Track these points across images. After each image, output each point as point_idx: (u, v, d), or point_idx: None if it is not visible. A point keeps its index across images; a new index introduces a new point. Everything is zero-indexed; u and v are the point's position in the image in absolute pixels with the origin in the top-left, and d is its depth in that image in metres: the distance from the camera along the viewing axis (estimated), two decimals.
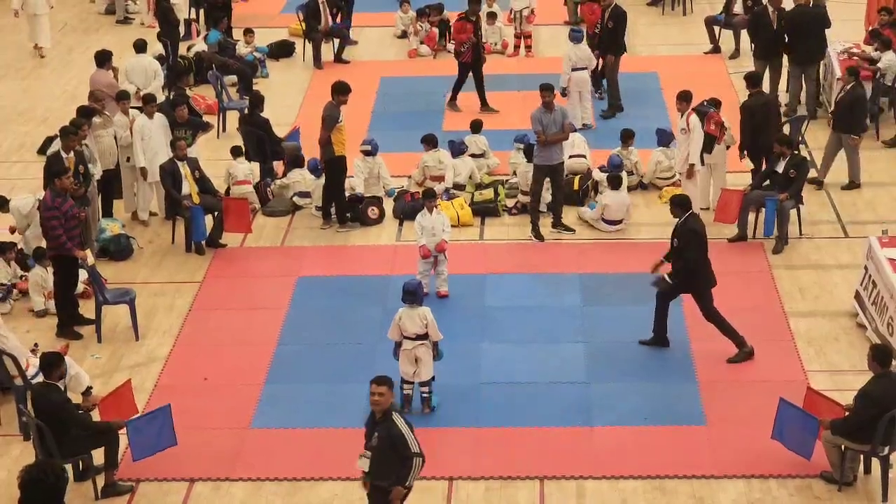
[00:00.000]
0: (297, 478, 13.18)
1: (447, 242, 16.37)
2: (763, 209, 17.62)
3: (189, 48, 24.52)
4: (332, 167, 18.18)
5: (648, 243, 17.80)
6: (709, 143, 18.05)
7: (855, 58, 21.59)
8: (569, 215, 18.34)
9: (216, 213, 17.94)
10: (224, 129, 21.68)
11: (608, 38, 21.87)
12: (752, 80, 19.07)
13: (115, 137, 18.51)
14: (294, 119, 22.01)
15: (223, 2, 25.41)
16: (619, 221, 18.08)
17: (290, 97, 23.17)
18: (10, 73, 24.96)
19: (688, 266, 14.78)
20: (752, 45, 22.64)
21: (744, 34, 24.19)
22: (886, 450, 12.57)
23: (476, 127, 20.13)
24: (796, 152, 18.12)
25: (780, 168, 17.56)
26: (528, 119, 17.97)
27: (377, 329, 15.49)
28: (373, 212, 18.61)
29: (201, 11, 26.40)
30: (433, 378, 14.08)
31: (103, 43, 24.54)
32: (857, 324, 15.68)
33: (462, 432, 13.90)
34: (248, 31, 24.74)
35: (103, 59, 20.14)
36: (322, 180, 18.53)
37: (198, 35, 25.93)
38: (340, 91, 18.11)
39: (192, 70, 23.50)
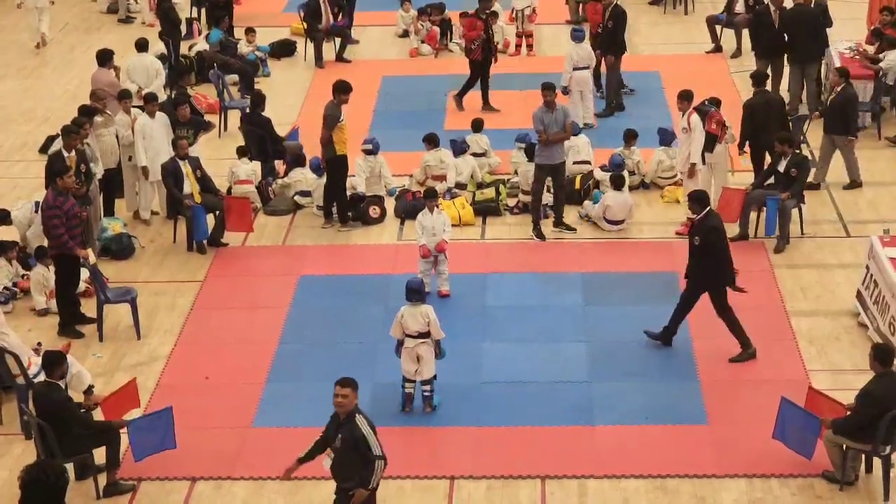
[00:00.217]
0: (298, 477, 13.13)
1: (447, 242, 16.36)
2: (764, 208, 17.62)
3: (190, 47, 24.52)
4: (334, 166, 18.18)
5: (650, 242, 17.81)
6: (710, 142, 18.03)
7: (857, 57, 21.60)
8: (570, 215, 18.34)
9: (218, 213, 17.95)
10: (225, 129, 21.68)
11: (608, 37, 21.87)
12: (757, 79, 19.06)
13: (117, 136, 18.52)
14: (295, 118, 22.01)
15: (224, 1, 25.41)
16: (622, 221, 18.08)
17: (291, 96, 23.17)
18: (11, 72, 24.97)
19: (719, 265, 14.69)
20: (752, 45, 22.62)
21: (745, 33, 24.20)
22: (888, 449, 12.56)
23: (477, 126, 20.14)
24: (798, 151, 18.11)
25: (782, 167, 17.56)
26: (530, 118, 17.98)
27: (379, 328, 15.49)
28: (374, 211, 18.60)
29: (203, 10, 26.40)
30: (435, 377, 14.08)
31: (105, 42, 24.55)
32: (858, 323, 15.68)
33: (463, 431, 13.90)
34: (250, 31, 24.75)
35: (105, 58, 20.14)
36: (323, 179, 18.53)
37: (199, 34, 25.92)
38: (342, 90, 18.11)
39: (194, 69, 23.49)
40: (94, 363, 15.23)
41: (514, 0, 25.04)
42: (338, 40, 25.10)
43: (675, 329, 15.17)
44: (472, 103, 22.12)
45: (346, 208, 18.45)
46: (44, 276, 16.42)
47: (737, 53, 24.47)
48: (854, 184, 19.06)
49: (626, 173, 18.72)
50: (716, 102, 18.60)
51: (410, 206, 18.30)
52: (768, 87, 19.45)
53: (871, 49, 21.83)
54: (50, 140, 19.78)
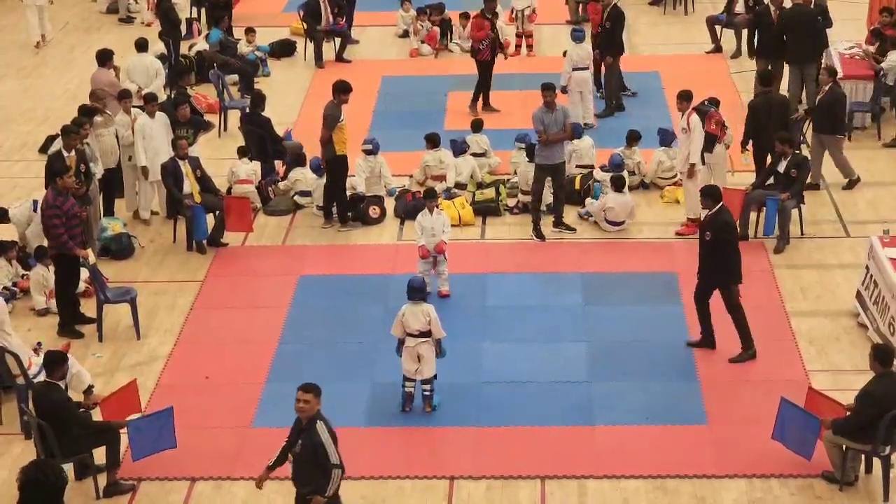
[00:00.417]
0: None
1: (446, 244, 16.36)
2: (764, 209, 17.61)
3: (190, 47, 24.52)
4: (334, 166, 18.18)
5: (650, 243, 17.81)
6: (710, 143, 18.03)
7: (857, 57, 21.61)
8: (570, 214, 18.34)
9: (217, 213, 17.95)
10: (225, 129, 21.68)
11: (606, 38, 21.87)
12: (762, 79, 19.06)
13: (117, 136, 18.52)
14: (295, 118, 22.01)
15: (224, 1, 25.41)
16: (623, 222, 18.08)
17: (291, 96, 23.17)
18: (11, 72, 24.97)
19: (729, 261, 14.69)
20: (748, 45, 22.60)
21: (745, 33, 24.20)
22: (888, 449, 12.57)
23: (477, 126, 20.13)
24: (797, 152, 18.11)
25: (782, 168, 17.56)
26: (530, 118, 17.98)
27: (378, 328, 15.50)
28: (374, 211, 18.60)
29: (202, 10, 26.40)
30: (435, 376, 14.07)
31: (105, 42, 24.56)
32: (858, 323, 15.68)
33: (463, 431, 13.90)
34: (250, 30, 24.76)
35: (104, 57, 20.14)
36: (323, 179, 18.53)
37: (199, 34, 25.93)
38: (342, 90, 18.11)
39: (194, 69, 23.49)
40: (94, 363, 15.23)
41: (513, 0, 25.04)
42: (338, 40, 25.10)
43: (710, 331, 15.09)
44: (467, 103, 22.12)
45: (346, 208, 18.45)
46: (43, 276, 16.41)
47: (736, 54, 24.47)
48: (852, 182, 19.06)
49: (625, 173, 18.72)
50: (715, 103, 18.61)
51: (410, 206, 18.30)
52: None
53: (871, 49, 21.83)
54: (50, 140, 19.77)
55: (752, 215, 17.73)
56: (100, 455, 12.97)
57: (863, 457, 12.84)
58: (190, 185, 17.76)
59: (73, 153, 16.99)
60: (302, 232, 18.47)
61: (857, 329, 15.60)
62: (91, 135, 17.81)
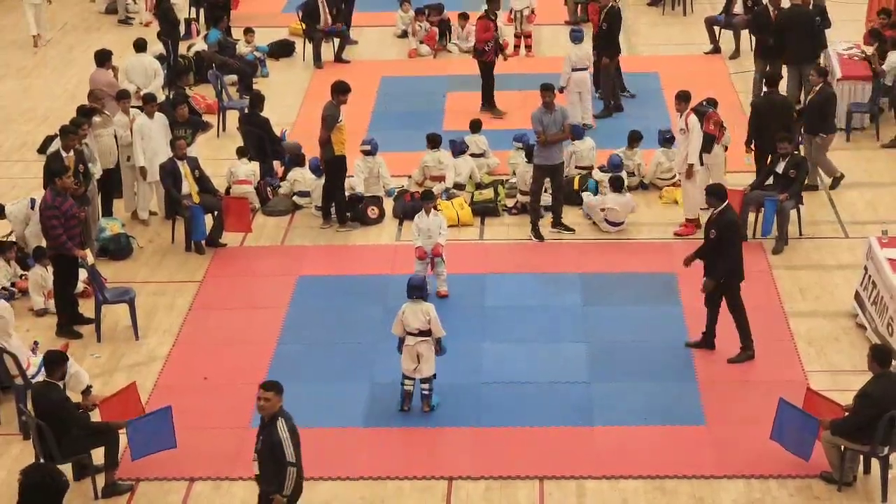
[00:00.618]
0: None
1: (443, 246, 16.34)
2: (763, 209, 17.61)
3: (189, 47, 24.52)
4: (332, 167, 18.18)
5: (649, 243, 17.81)
6: (708, 143, 18.04)
7: (856, 57, 21.60)
8: (569, 215, 18.34)
9: (216, 213, 17.95)
10: (224, 129, 21.68)
11: (603, 38, 21.86)
12: (769, 79, 19.04)
13: (116, 137, 18.51)
14: (294, 118, 22.01)
15: (223, 1, 25.41)
16: (622, 223, 18.08)
17: (290, 97, 23.17)
18: (10, 72, 24.97)
19: (731, 262, 14.68)
20: (738, 46, 22.62)
21: (744, 34, 24.22)
22: (886, 450, 12.57)
23: (475, 126, 20.13)
24: (796, 152, 18.11)
25: (781, 168, 17.56)
26: (529, 119, 17.98)
27: (377, 328, 15.51)
28: (372, 211, 18.61)
29: (201, 10, 26.40)
30: (434, 376, 14.07)
31: (104, 42, 24.55)
32: (857, 324, 15.68)
33: (462, 432, 13.90)
34: (249, 31, 24.75)
35: (103, 58, 20.13)
36: (322, 180, 18.53)
37: (198, 34, 25.93)
38: (340, 91, 18.11)
39: (192, 69, 23.49)
40: (93, 363, 15.23)
41: (512, 1, 25.04)
42: (336, 41, 25.10)
43: (714, 332, 15.06)
44: (472, 105, 22.10)
45: (345, 209, 18.45)
46: (42, 276, 16.41)
47: (735, 54, 24.47)
48: (836, 181, 18.97)
49: (624, 174, 18.71)
50: (713, 103, 18.62)
51: (409, 206, 18.31)
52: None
53: (869, 50, 21.83)
54: (48, 140, 19.77)
55: (751, 216, 17.71)
56: (98, 455, 12.97)
57: (861, 457, 12.84)
58: (188, 186, 17.75)
59: (71, 153, 16.99)
60: (301, 232, 18.47)
61: (856, 329, 15.60)
62: (90, 135, 17.80)
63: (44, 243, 16.24)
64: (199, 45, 24.45)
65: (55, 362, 12.80)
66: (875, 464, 12.78)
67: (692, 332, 15.39)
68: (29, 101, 23.47)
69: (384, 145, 19.38)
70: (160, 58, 22.49)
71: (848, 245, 17.59)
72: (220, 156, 20.26)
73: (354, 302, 16.51)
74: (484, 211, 18.66)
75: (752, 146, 18.52)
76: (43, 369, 13.12)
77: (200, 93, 22.81)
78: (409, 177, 19.38)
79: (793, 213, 17.59)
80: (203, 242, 17.85)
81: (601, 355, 15.20)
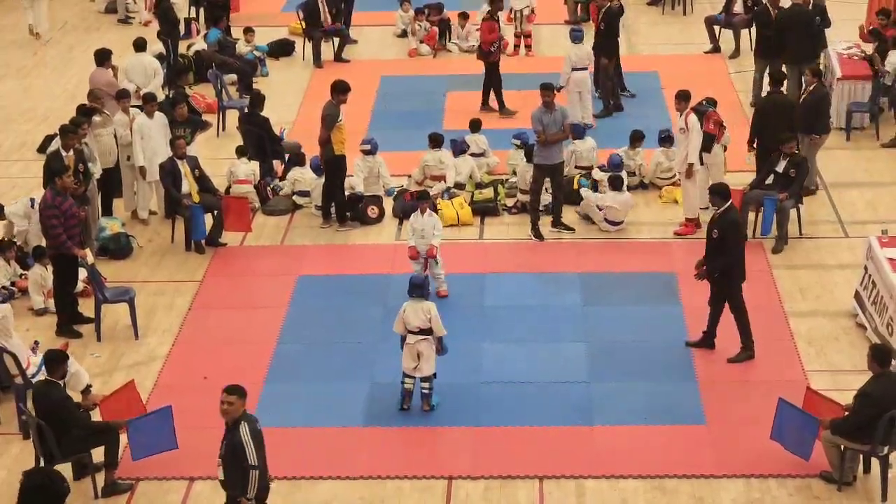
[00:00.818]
0: (296, 477, 13.18)
1: (436, 248, 16.32)
2: (762, 209, 17.60)
3: (189, 47, 24.52)
4: (332, 166, 18.17)
5: (648, 243, 17.81)
6: (708, 143, 18.04)
7: (856, 57, 21.60)
8: (568, 214, 18.34)
9: (216, 212, 17.95)
10: (224, 128, 21.68)
11: (602, 39, 21.86)
12: (773, 78, 19.01)
13: (115, 136, 18.51)
14: (294, 118, 22.01)
15: (223, 0, 25.40)
16: (622, 222, 18.08)
17: (289, 96, 23.16)
18: (10, 72, 24.97)
19: (731, 262, 14.68)
20: (738, 46, 22.58)
21: (744, 34, 24.21)
22: (886, 449, 12.57)
23: (475, 126, 20.12)
24: (796, 152, 18.10)
25: (781, 168, 17.55)
26: (529, 118, 17.97)
27: (377, 328, 15.51)
28: (372, 211, 18.60)
29: (201, 10, 26.40)
30: (434, 375, 14.07)
31: (104, 42, 24.53)
32: (856, 324, 15.68)
33: (462, 431, 13.90)
34: (248, 30, 24.75)
35: (103, 57, 20.13)
36: (322, 179, 18.53)
37: (197, 34, 25.93)
38: (340, 90, 18.11)
39: (192, 69, 23.50)
40: (93, 363, 15.23)
41: (512, 0, 25.04)
42: (336, 40, 25.10)
43: (715, 332, 15.05)
44: (472, 104, 22.10)
45: (345, 208, 18.45)
46: (42, 275, 16.41)
47: (735, 54, 24.48)
48: (809, 190, 18.81)
49: (624, 174, 18.71)
50: (713, 102, 18.61)
51: (409, 206, 18.27)
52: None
53: (868, 49, 21.82)
54: (48, 139, 19.77)
55: (751, 215, 17.71)
56: (98, 454, 12.97)
57: (861, 457, 12.84)
58: (188, 185, 17.75)
59: (71, 153, 16.99)
60: (300, 232, 18.47)
61: (856, 329, 15.60)
62: (89, 135, 17.80)
63: (43, 243, 16.24)
64: (199, 44, 24.45)
65: (56, 361, 12.81)
66: (875, 463, 12.78)
67: (692, 331, 15.39)
68: (29, 100, 23.47)
69: (384, 145, 19.37)
70: (160, 57, 22.49)
71: (848, 245, 17.59)
72: (219, 155, 20.26)
73: (354, 302, 16.51)
74: (484, 210, 18.66)
75: (754, 146, 18.51)
76: (43, 368, 13.12)
77: (200, 92, 22.82)
78: (409, 176, 19.38)
79: (792, 212, 17.59)
80: (203, 242, 17.85)
81: (601, 355, 15.20)
